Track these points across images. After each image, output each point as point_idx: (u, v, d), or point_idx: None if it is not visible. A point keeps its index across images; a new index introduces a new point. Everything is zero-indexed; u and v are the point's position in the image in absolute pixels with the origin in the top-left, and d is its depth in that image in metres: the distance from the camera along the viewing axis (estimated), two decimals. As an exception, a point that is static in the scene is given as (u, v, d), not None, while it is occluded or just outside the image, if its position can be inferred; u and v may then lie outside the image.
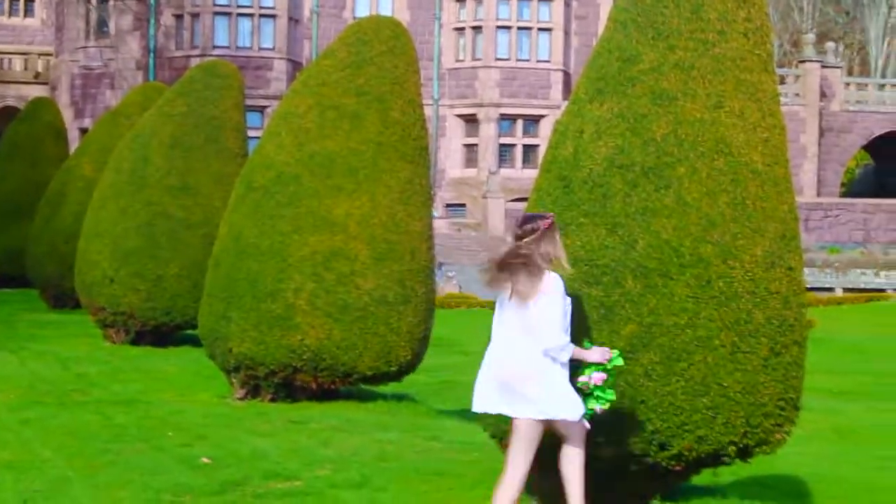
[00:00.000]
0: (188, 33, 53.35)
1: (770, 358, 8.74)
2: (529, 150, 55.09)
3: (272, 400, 15.05)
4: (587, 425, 8.11)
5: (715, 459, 9.01)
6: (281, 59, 53.23)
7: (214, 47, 52.05)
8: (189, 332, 20.87)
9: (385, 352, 14.82)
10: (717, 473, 9.59)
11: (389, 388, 16.17)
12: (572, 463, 8.21)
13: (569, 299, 7.99)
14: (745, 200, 8.79)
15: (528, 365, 7.90)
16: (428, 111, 51.72)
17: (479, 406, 8.14)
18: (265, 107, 49.65)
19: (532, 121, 55.58)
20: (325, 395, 15.19)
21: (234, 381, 15.34)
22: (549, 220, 8.00)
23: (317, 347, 14.57)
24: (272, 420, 13.70)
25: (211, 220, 19.87)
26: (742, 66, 9.01)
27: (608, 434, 8.58)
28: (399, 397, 16.25)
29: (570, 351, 7.89)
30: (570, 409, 7.94)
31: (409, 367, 15.34)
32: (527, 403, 7.92)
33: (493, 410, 8.13)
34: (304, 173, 14.85)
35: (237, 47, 52.68)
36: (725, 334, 8.65)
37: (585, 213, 8.84)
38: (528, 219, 8.06)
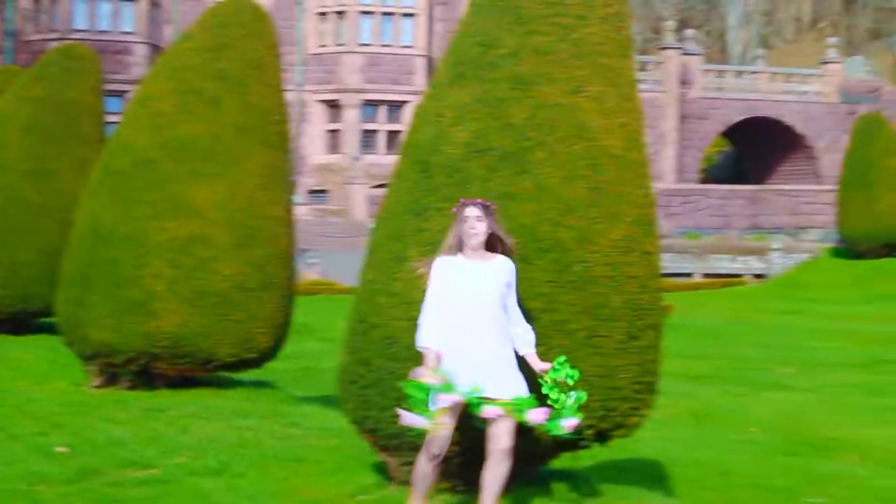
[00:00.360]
0: (46, 16, 52.52)
1: (627, 342, 8.81)
2: (393, 135, 55.00)
3: (130, 388, 14.87)
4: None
5: (573, 443, 9.03)
6: (141, 43, 52.63)
7: (73, 31, 51.27)
8: (46, 319, 20.54)
9: (245, 338, 14.70)
10: (577, 457, 9.64)
11: (250, 375, 16.07)
12: None
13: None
14: (603, 185, 8.82)
15: None
16: (290, 96, 51.41)
17: None
18: (125, 91, 48.99)
19: (395, 106, 55.56)
20: (184, 382, 15.04)
21: (91, 368, 15.13)
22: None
23: (175, 334, 14.41)
24: (129, 408, 13.52)
25: (68, 205, 19.47)
26: (601, 52, 9.05)
27: (463, 419, 8.59)
28: (259, 384, 16.15)
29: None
30: None
31: (269, 354, 15.25)
32: None
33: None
34: (163, 158, 14.66)
35: (96, 31, 51.93)
36: (583, 318, 8.69)
37: (444, 199, 8.81)
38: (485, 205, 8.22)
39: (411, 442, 8.78)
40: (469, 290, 8.11)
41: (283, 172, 15.14)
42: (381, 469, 9.72)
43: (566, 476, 9.82)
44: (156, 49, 52.28)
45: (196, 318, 14.42)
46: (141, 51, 52.47)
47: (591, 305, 8.70)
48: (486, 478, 8.20)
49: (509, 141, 8.79)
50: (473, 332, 8.09)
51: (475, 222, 8.14)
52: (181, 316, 14.40)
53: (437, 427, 8.00)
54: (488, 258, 8.19)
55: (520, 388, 8.14)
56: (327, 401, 14.57)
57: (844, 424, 17.72)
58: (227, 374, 15.72)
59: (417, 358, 8.61)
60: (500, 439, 8.09)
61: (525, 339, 8.29)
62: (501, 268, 8.19)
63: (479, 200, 8.24)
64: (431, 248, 8.65)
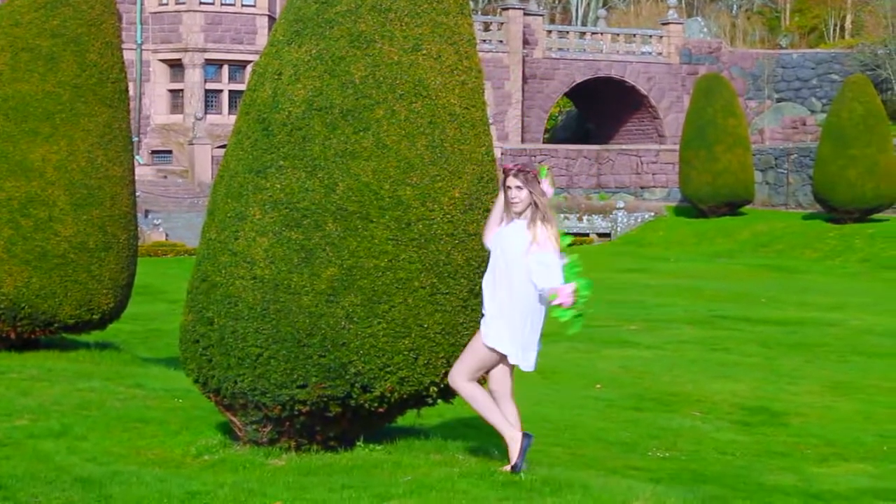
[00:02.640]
0: None
1: (469, 299, 8.89)
2: (236, 95, 54.48)
3: (-32, 351, 14.65)
4: None
5: (418, 400, 9.12)
6: (-24, 0, 51.46)
7: None
8: None
9: (87, 299, 14.57)
10: (421, 415, 9.71)
11: (93, 336, 15.93)
12: None
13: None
14: (444, 143, 8.87)
15: None
16: (131, 56, 50.81)
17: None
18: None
19: (238, 66, 55.09)
20: (25, 344, 14.85)
21: (-74, 332, 14.86)
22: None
23: (15, 296, 14.22)
24: (-33, 372, 13.33)
25: None
26: (439, 10, 9.06)
27: (308, 376, 8.64)
28: (103, 346, 16.02)
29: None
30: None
31: (112, 315, 15.12)
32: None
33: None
34: (-2, 117, 14.45)
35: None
36: (425, 276, 8.75)
37: (285, 156, 8.81)
38: (525, 169, 8.50)
39: (256, 401, 8.82)
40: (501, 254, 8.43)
41: (122, 132, 14.98)
42: (227, 429, 9.71)
43: (412, 432, 9.90)
44: (-9, 7, 51.15)
45: (36, 279, 14.25)
46: (-24, 9, 51.34)
47: (433, 263, 8.76)
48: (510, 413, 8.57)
49: (349, 99, 8.79)
50: (507, 295, 8.39)
51: (516, 192, 8.42)
52: (21, 277, 14.21)
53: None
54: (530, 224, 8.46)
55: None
56: (173, 362, 14.51)
57: (686, 380, 18.11)
58: (69, 336, 15.57)
59: (259, 317, 8.65)
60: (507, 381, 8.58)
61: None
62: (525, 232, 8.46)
63: (519, 167, 8.46)
64: (272, 206, 8.68)
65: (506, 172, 8.54)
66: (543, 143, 63.41)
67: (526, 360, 8.56)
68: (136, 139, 51.17)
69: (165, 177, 51.66)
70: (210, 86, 55.10)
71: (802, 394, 17.12)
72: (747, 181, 50.73)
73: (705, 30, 69.86)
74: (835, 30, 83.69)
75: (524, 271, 8.38)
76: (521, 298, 8.40)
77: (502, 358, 8.48)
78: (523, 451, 8.47)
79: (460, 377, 8.52)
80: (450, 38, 9.07)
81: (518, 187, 8.42)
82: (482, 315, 8.52)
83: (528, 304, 8.44)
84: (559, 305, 8.38)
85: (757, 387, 17.57)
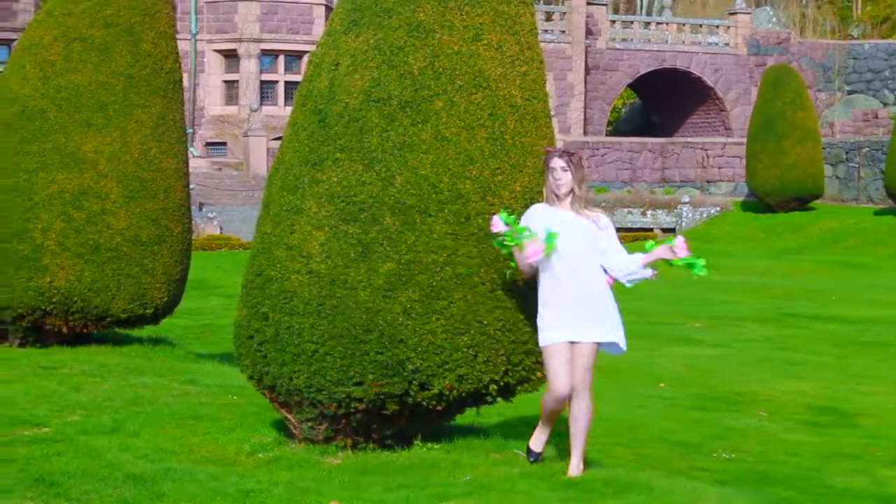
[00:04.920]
0: (-74, -39, 51.51)
1: (530, 294, 8.88)
2: (292, 86, 54.49)
3: (21, 345, 14.78)
4: None
5: (477, 398, 9.13)
6: (29, -11, 51.77)
7: (-45, -23, 50.39)
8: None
9: (140, 294, 14.67)
10: (481, 413, 9.71)
11: (146, 331, 16.02)
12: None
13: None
14: (504, 135, 8.87)
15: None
16: (185, 46, 51.04)
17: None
18: (13, 40, 48.23)
19: (294, 57, 55.16)
20: (77, 339, 14.98)
21: (-20, 326, 15.02)
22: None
23: (67, 290, 14.33)
24: (20, 366, 13.43)
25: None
26: (500, -2, 9.10)
27: (364, 373, 8.66)
28: (156, 341, 16.10)
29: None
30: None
31: (165, 310, 15.21)
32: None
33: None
34: (51, 108, 14.53)
35: (-20, -23, 51.07)
36: (485, 271, 8.76)
37: (342, 149, 8.83)
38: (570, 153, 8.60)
39: (311, 398, 8.85)
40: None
41: (176, 123, 15.06)
42: (281, 426, 9.75)
43: (471, 431, 9.91)
44: (44, -4, 51.43)
45: (88, 272, 14.35)
46: (29, -2, 51.64)
47: (493, 258, 8.75)
48: (573, 413, 8.63)
49: (407, 90, 8.80)
50: (569, 278, 8.49)
51: (560, 173, 8.51)
52: (73, 271, 14.32)
53: (520, 243, 8.38)
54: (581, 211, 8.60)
55: (605, 333, 8.71)
56: (227, 357, 14.57)
57: (753, 379, 18.00)
58: (122, 331, 15.67)
59: (315, 312, 8.68)
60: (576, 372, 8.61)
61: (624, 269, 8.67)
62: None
63: (564, 150, 8.60)
64: (329, 200, 8.71)
65: (549, 154, 8.56)
66: (606, 135, 63.21)
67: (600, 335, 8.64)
68: (190, 131, 51.37)
69: (220, 169, 51.88)
70: (265, 76, 55.23)
71: (874, 394, 16.98)
72: (816, 175, 50.35)
73: (774, 20, 69.35)
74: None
75: (595, 257, 8.54)
76: (593, 284, 8.48)
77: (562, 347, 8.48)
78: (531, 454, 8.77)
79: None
80: (511, 28, 9.07)
81: (563, 168, 8.50)
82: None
83: (601, 290, 8.57)
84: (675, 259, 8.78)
85: (826, 386, 17.44)
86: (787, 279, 35.71)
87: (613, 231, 8.75)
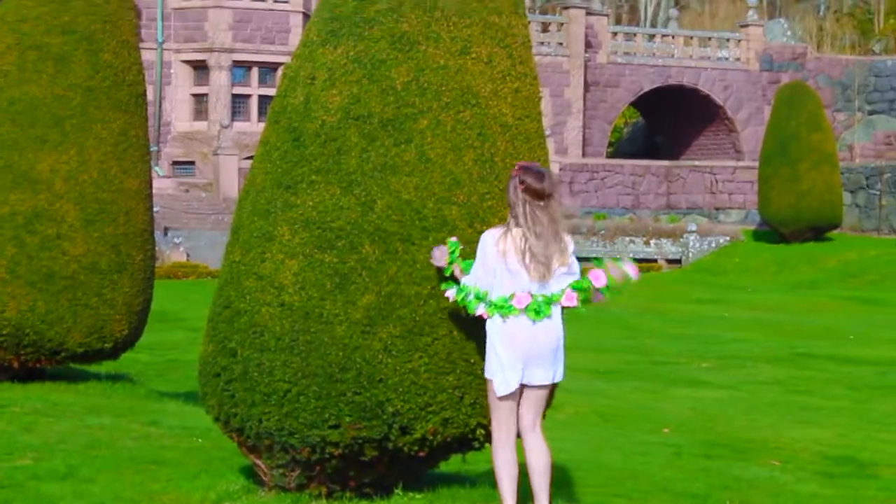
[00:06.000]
0: None
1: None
2: (266, 101, 54.54)
3: (-34, 381, 14.76)
4: None
5: (463, 444, 9.10)
6: (-18, -7, 51.93)
7: None
8: None
9: (98, 326, 14.66)
10: (467, 460, 9.70)
11: (105, 367, 16.03)
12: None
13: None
14: (494, 157, 8.87)
15: (557, 332, 8.40)
16: (150, 56, 51.09)
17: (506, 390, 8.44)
18: (-37, 48, 48.33)
19: (269, 69, 55.26)
20: (29, 375, 14.96)
21: (-79, 360, 14.99)
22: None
23: (18, 321, 14.31)
24: (-35, 405, 13.43)
25: None
26: (490, 8, 9.07)
27: (341, 415, 8.64)
28: (115, 378, 16.10)
29: None
30: (562, 372, 8.57)
31: (126, 344, 15.21)
32: (545, 370, 8.44)
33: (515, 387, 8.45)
34: (3, 122, 14.54)
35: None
36: (472, 304, 8.76)
37: (318, 170, 8.83)
38: (543, 174, 8.42)
39: (283, 442, 8.82)
40: None
41: (139, 139, 15.07)
42: (250, 473, 9.74)
43: (456, 479, 9.89)
44: (-1, 1, 51.53)
45: (42, 302, 14.34)
46: (-18, 3, 51.79)
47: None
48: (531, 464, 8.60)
49: (389, 107, 8.80)
50: None
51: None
52: (25, 301, 14.32)
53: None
54: None
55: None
56: (192, 397, 14.56)
57: (764, 425, 18.02)
58: (78, 367, 15.67)
59: (287, 348, 8.66)
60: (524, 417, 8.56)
61: None
62: None
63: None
64: (303, 226, 8.70)
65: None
66: (606, 157, 63.33)
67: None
68: (154, 148, 51.42)
69: (187, 190, 51.90)
70: (238, 90, 55.34)
71: (895, 442, 17.00)
72: (834, 203, 50.44)
73: (789, 33, 69.71)
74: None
75: None
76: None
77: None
78: None
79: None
80: (502, 41, 9.08)
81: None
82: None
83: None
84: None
85: (843, 434, 17.46)
86: (802, 316, 35.76)
87: None
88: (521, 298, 8.27)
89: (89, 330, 14.62)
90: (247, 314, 8.91)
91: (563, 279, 8.40)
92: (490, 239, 8.35)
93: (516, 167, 8.45)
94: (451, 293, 8.47)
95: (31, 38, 14.78)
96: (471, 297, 8.35)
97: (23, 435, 11.81)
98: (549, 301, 8.31)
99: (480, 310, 8.35)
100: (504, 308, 8.28)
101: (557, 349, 8.46)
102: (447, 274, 8.49)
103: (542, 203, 8.34)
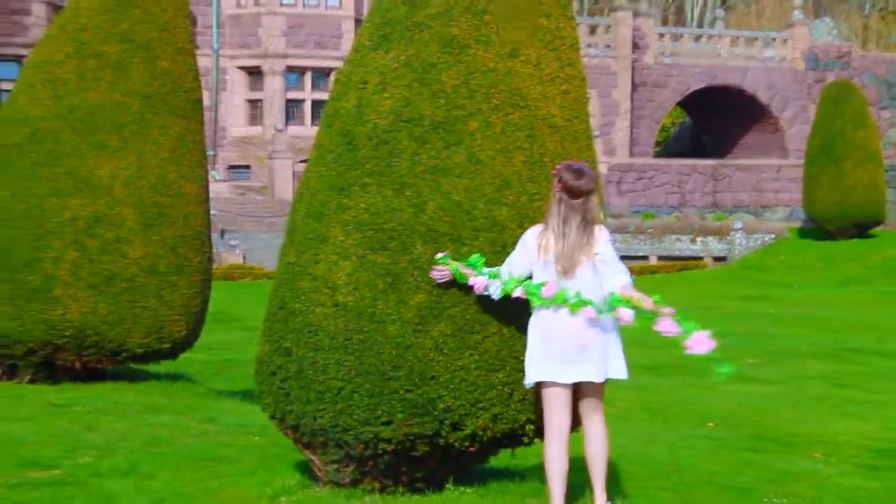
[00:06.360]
0: (-66, -27, 51.94)
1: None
2: (319, 105, 54.58)
3: (31, 381, 14.86)
4: None
5: (512, 439, 9.10)
6: (40, 2, 52.15)
7: (-38, -12, 50.81)
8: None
9: (157, 327, 14.71)
10: (516, 455, 9.70)
11: (163, 367, 16.08)
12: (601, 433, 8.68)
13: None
14: (543, 158, 8.87)
15: (591, 327, 8.39)
16: (206, 63, 51.24)
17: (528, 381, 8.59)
18: (23, 57, 48.48)
19: (322, 73, 55.31)
20: (91, 375, 15.04)
21: (-13, 361, 15.10)
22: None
23: (80, 323, 14.38)
24: (31, 403, 13.51)
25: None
26: (539, 11, 9.06)
27: (393, 412, 8.66)
28: (174, 377, 16.15)
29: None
30: (621, 368, 8.58)
31: (184, 344, 15.26)
32: (587, 366, 8.42)
33: (550, 379, 8.50)
34: (63, 129, 14.61)
35: (-9, -11, 51.50)
36: (522, 304, 8.75)
37: (370, 173, 8.85)
38: (583, 172, 8.47)
39: (337, 439, 8.84)
40: None
41: (195, 144, 15.12)
42: (305, 468, 9.77)
43: (506, 474, 9.90)
44: (57, 9, 51.74)
45: (103, 304, 14.41)
46: (40, 10, 51.90)
47: (530, 289, 8.76)
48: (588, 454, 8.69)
49: (440, 110, 8.81)
50: None
51: None
52: (86, 303, 14.38)
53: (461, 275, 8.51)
54: None
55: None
56: (248, 395, 14.60)
57: (809, 419, 17.92)
58: (138, 367, 15.73)
59: (341, 347, 8.69)
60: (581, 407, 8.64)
61: None
62: None
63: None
64: (356, 227, 8.72)
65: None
66: (654, 157, 63.13)
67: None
68: (211, 153, 51.57)
69: (243, 194, 52.05)
70: (291, 95, 55.41)
71: (939, 435, 16.89)
72: (878, 200, 50.15)
73: (834, 32, 69.21)
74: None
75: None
76: None
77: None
78: None
79: None
80: (551, 43, 9.07)
81: None
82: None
83: None
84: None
85: (888, 427, 17.35)
86: (846, 311, 35.57)
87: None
88: (550, 287, 8.33)
89: (149, 331, 14.68)
90: (301, 314, 8.93)
91: (597, 272, 8.45)
92: (532, 232, 8.49)
93: (557, 166, 8.51)
94: (478, 281, 8.49)
95: (90, 46, 14.85)
96: (505, 277, 8.41)
97: (85, 433, 11.87)
98: (581, 302, 8.33)
99: (518, 292, 8.43)
100: (533, 294, 8.37)
101: (604, 347, 8.47)
102: (463, 282, 8.52)
103: (579, 201, 8.40)
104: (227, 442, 11.58)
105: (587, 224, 8.44)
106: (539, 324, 8.45)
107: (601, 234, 8.49)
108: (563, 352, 8.39)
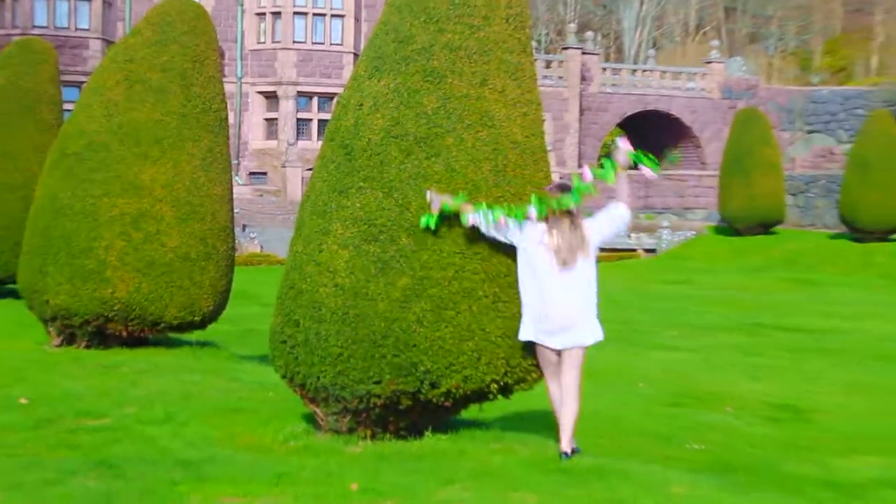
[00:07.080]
0: (9, 14, 51.66)
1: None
2: (324, 124, 54.47)
3: (86, 347, 14.79)
4: None
5: (480, 396, 9.12)
6: (96, 38, 51.89)
7: (34, 27, 50.47)
8: (10, 286, 20.41)
9: (189, 303, 14.68)
10: (483, 409, 9.72)
11: (195, 335, 16.02)
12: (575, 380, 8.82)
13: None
14: (506, 168, 8.89)
15: (575, 303, 8.64)
16: (232, 88, 51.12)
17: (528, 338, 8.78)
18: (83, 82, 48.31)
19: (326, 98, 55.19)
20: (135, 342, 14.99)
21: (51, 329, 15.05)
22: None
23: (127, 299, 14.35)
24: (85, 365, 13.47)
25: (29, 183, 19.43)
26: (504, 48, 9.09)
27: (382, 374, 8.67)
28: (203, 344, 16.10)
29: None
30: (598, 334, 8.92)
31: (211, 317, 15.23)
32: (569, 336, 8.68)
33: (540, 343, 8.75)
34: (114, 142, 14.58)
35: (55, 27, 51.13)
36: (488, 286, 8.77)
37: (365, 178, 8.85)
38: (565, 188, 8.77)
39: (336, 395, 8.86)
40: None
41: (223, 155, 15.09)
42: (310, 419, 9.76)
43: (474, 424, 9.90)
44: (109, 44, 51.52)
45: (145, 285, 14.38)
46: (96, 45, 51.71)
47: (495, 274, 8.77)
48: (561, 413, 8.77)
49: (422, 128, 8.82)
50: None
51: None
52: (132, 283, 14.35)
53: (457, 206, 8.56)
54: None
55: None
56: (264, 359, 14.54)
57: (722, 380, 17.97)
58: (174, 335, 15.69)
59: (340, 320, 8.69)
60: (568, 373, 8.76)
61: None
62: None
63: (560, 183, 8.94)
64: (353, 223, 8.74)
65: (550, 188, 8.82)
66: (597, 168, 62.94)
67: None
68: (235, 162, 51.45)
69: (261, 195, 51.89)
70: (301, 115, 55.25)
71: (826, 393, 16.95)
72: (779, 204, 50.20)
73: (744, 68, 69.19)
74: (862, 69, 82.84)
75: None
76: None
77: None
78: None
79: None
80: (513, 75, 9.08)
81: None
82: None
83: None
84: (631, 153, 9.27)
85: (785, 387, 17.42)
86: (753, 294, 35.61)
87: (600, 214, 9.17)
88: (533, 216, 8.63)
89: (182, 306, 14.64)
90: (308, 293, 8.94)
91: (595, 267, 8.86)
92: (536, 224, 8.66)
93: (548, 186, 8.86)
94: (473, 216, 8.57)
95: (136, 74, 14.81)
96: (494, 213, 8.52)
97: (130, 389, 11.84)
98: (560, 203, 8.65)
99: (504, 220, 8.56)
100: (518, 215, 8.58)
101: (584, 324, 8.76)
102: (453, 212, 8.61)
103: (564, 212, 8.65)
104: (246, 396, 11.57)
105: (576, 227, 8.70)
106: (532, 305, 8.68)
107: (586, 221, 8.88)
108: (551, 330, 8.61)
